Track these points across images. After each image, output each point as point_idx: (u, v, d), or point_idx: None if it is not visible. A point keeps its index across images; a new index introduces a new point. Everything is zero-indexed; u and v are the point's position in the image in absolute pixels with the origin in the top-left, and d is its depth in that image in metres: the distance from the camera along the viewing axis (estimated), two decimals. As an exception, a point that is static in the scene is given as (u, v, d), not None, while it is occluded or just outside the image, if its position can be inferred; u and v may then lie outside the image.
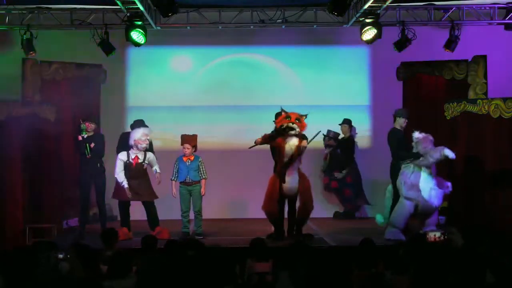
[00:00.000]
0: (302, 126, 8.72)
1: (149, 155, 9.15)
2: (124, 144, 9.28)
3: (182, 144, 9.19)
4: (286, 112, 8.79)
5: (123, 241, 8.40)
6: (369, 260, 5.47)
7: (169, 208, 9.77)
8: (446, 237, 5.81)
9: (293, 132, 8.63)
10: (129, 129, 10.33)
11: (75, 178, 9.93)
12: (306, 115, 8.82)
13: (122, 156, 9.03)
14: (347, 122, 11.14)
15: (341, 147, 11.14)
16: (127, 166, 8.99)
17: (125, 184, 8.91)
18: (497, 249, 5.28)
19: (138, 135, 9.00)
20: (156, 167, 9.20)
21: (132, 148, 9.04)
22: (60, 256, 5.26)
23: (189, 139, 9.18)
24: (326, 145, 11.17)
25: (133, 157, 9.03)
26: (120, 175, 8.94)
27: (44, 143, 9.64)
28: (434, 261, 5.01)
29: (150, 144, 9.30)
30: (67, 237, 9.05)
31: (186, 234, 9.03)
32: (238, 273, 5.91)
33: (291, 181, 8.77)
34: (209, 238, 9.05)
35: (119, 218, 10.02)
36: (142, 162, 9.05)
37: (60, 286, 5.03)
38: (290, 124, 8.62)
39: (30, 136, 9.39)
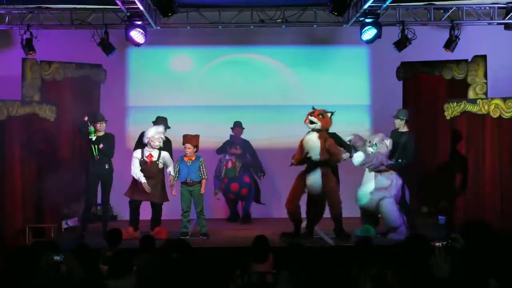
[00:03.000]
0: (325, 122, 8.69)
1: (164, 154, 9.09)
2: (140, 142, 9.27)
3: (183, 144, 9.15)
4: (313, 108, 8.81)
5: (128, 240, 8.34)
6: (369, 260, 5.46)
7: (169, 208, 9.77)
8: (449, 245, 5.81)
9: (312, 125, 8.63)
10: (128, 129, 10.38)
11: (75, 178, 9.93)
12: (332, 113, 8.81)
13: (137, 154, 9.01)
14: (239, 125, 10.61)
15: (249, 152, 10.61)
16: (142, 164, 8.96)
17: (142, 179, 8.85)
18: (499, 251, 5.27)
19: (151, 133, 8.98)
20: (170, 168, 9.13)
21: (146, 146, 9.03)
22: (57, 258, 5.25)
23: (190, 139, 9.14)
24: (232, 153, 10.45)
25: (146, 154, 9.00)
26: (136, 172, 8.90)
27: (44, 143, 9.65)
28: (436, 261, 5.01)
29: (169, 143, 9.34)
30: (67, 237, 9.05)
31: (184, 234, 9.01)
32: (238, 273, 5.91)
33: (311, 178, 8.71)
34: (211, 238, 9.06)
35: (119, 218, 10.05)
36: (156, 161, 9.03)
37: (60, 286, 5.03)
38: (311, 117, 8.64)
39: (30, 136, 9.40)
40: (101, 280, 4.86)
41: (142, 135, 9.44)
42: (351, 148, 9.08)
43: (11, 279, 4.87)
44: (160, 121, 9.27)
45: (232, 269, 5.58)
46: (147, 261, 5.68)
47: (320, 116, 8.65)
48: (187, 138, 9.16)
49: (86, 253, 5.74)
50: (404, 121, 9.07)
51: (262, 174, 10.55)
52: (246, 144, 10.54)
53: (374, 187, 8.94)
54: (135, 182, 8.99)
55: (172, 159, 9.25)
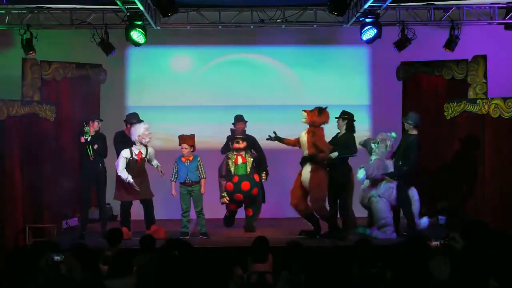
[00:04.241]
0: (311, 116, 8.81)
1: (150, 149, 9.17)
2: (122, 143, 9.25)
3: (180, 144, 9.17)
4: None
5: (124, 240, 8.35)
6: (369, 260, 5.46)
7: (169, 208, 9.77)
8: (446, 243, 5.83)
9: (302, 119, 8.85)
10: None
11: (75, 178, 9.93)
12: (320, 107, 8.85)
13: (125, 153, 8.98)
14: (241, 119, 9.82)
15: (254, 148, 9.81)
16: (132, 163, 8.96)
17: (130, 179, 8.86)
18: (499, 251, 5.27)
19: (141, 130, 8.98)
20: (155, 161, 9.21)
21: (135, 144, 9.03)
22: (57, 258, 5.26)
23: (186, 139, 9.16)
24: (236, 148, 9.52)
25: (136, 152, 9.01)
26: (123, 172, 8.89)
27: (44, 143, 9.64)
28: (435, 261, 5.02)
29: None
30: (67, 237, 9.05)
31: (185, 234, 9.01)
32: (238, 272, 5.92)
33: (302, 174, 8.89)
34: (211, 237, 9.06)
35: (119, 218, 10.02)
36: (145, 158, 9.07)
37: (60, 286, 5.03)
38: (302, 111, 8.89)
39: (30, 136, 9.40)
40: (101, 280, 4.87)
41: (118, 136, 9.45)
42: (351, 152, 9.02)
43: (11, 279, 4.87)
44: (135, 117, 9.30)
45: (232, 268, 5.59)
46: (147, 261, 5.69)
47: (310, 111, 8.84)
48: (183, 139, 9.17)
49: (86, 253, 5.74)
50: (413, 125, 9.01)
51: (265, 174, 9.76)
52: (250, 140, 9.76)
53: (367, 185, 9.18)
54: (122, 183, 8.99)
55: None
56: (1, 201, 8.98)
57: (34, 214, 9.42)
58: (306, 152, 8.88)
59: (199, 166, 9.17)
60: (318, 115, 8.81)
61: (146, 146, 9.10)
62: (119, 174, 8.93)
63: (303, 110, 8.92)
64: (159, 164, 9.19)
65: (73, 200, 10.16)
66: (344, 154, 8.97)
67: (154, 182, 9.34)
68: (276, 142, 9.25)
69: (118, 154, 9.19)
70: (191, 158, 9.16)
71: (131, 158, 8.97)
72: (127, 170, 8.92)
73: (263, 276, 6.11)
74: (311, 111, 8.85)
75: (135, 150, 9.02)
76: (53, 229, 9.36)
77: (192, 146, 9.18)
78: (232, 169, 9.40)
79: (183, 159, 9.16)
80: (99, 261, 6.02)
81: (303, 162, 8.92)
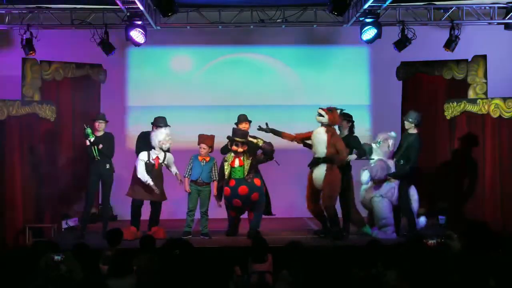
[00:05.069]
0: (333, 117, 8.68)
1: (168, 155, 9.12)
2: (144, 143, 9.22)
3: (198, 144, 9.07)
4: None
5: (132, 240, 8.36)
6: (369, 260, 5.47)
7: (169, 208, 9.77)
8: (442, 241, 5.84)
9: (320, 118, 8.67)
10: (128, 129, 10.35)
11: (75, 178, 9.93)
12: (342, 110, 8.83)
13: (143, 156, 8.98)
14: (245, 119, 9.27)
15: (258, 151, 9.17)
16: (148, 166, 8.95)
17: (150, 182, 8.85)
18: (498, 251, 5.27)
19: (162, 136, 8.97)
20: (174, 168, 9.16)
21: (154, 149, 9.02)
22: (57, 258, 5.26)
23: (206, 139, 9.08)
24: (234, 151, 8.94)
25: (154, 157, 9.01)
26: (143, 175, 8.87)
27: (44, 143, 9.65)
28: (434, 261, 5.02)
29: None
30: (67, 237, 9.05)
31: (187, 234, 8.98)
32: (237, 272, 5.93)
33: (316, 173, 8.76)
34: (212, 237, 9.06)
35: (119, 218, 10.03)
36: (162, 163, 9.05)
37: (60, 286, 5.03)
38: (319, 110, 8.69)
39: (30, 136, 9.41)
40: (101, 280, 4.87)
41: (142, 136, 9.42)
42: (365, 153, 9.01)
43: (11, 279, 4.88)
44: (162, 121, 9.27)
45: (232, 268, 5.60)
46: (147, 261, 5.69)
47: (329, 111, 8.69)
48: (202, 138, 9.10)
49: (86, 253, 5.75)
50: (414, 123, 8.97)
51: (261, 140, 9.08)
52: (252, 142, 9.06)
53: (368, 185, 9.09)
54: (136, 181, 8.99)
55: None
56: (1, 201, 9.00)
57: (34, 214, 9.42)
58: (320, 152, 8.68)
59: (214, 168, 9.10)
60: (339, 115, 8.76)
61: (165, 151, 9.08)
62: (138, 176, 8.91)
63: (320, 108, 8.72)
64: (178, 172, 9.13)
65: (73, 200, 10.16)
66: (361, 157, 8.97)
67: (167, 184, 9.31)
68: (276, 140, 9.16)
69: (137, 153, 9.17)
70: (207, 159, 9.10)
71: (148, 162, 8.98)
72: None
73: (263, 276, 6.11)
74: (329, 110, 8.69)
75: (153, 154, 9.02)
76: (53, 229, 9.37)
77: (211, 147, 9.12)
78: (227, 172, 8.90)
79: (199, 158, 9.09)
80: (99, 261, 6.03)
81: (316, 163, 8.75)
